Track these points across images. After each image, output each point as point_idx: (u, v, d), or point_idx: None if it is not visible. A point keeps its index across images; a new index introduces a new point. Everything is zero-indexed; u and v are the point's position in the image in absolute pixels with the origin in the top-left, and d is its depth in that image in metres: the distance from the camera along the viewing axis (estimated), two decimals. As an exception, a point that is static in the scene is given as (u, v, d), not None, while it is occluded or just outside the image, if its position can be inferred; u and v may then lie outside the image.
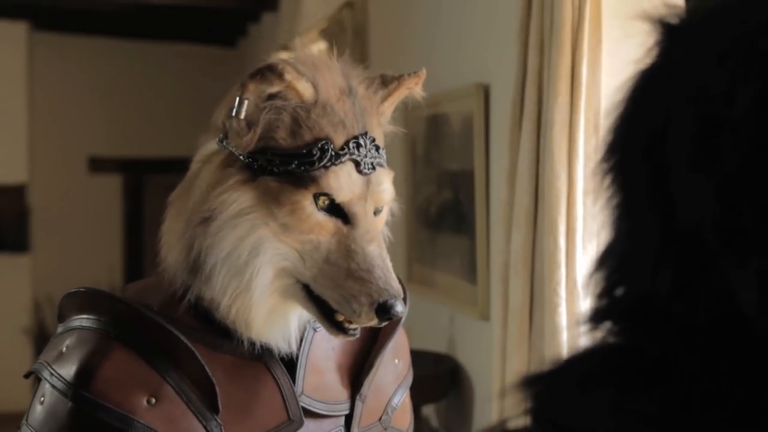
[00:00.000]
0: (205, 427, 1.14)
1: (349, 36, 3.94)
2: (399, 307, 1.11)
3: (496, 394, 2.42)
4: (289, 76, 1.12)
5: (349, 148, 1.15)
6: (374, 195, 1.17)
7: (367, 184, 1.16)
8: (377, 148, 1.18)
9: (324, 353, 1.25)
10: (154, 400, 1.13)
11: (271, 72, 1.12)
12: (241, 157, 1.15)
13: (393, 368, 1.33)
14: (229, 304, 1.14)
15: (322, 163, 1.13)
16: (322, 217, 1.14)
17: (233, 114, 1.14)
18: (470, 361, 2.99)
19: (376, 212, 1.19)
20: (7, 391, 6.50)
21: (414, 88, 1.25)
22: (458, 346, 3.09)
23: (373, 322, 1.13)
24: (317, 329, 1.24)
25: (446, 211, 3.19)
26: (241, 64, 7.43)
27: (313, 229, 1.14)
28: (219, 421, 1.15)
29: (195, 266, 1.15)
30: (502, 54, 2.61)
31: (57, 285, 6.58)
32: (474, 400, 2.95)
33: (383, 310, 1.11)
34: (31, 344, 6.65)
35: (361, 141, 1.16)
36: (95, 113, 7.28)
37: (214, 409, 1.15)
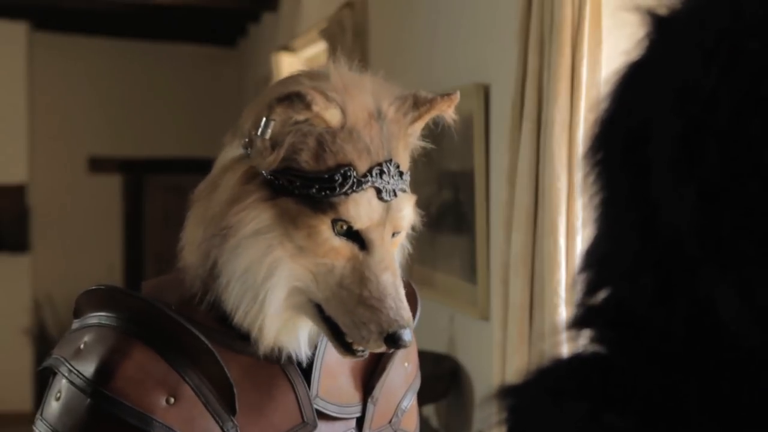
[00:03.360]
0: (221, 428, 1.15)
1: (349, 36, 3.94)
2: (407, 337, 1.12)
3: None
4: (317, 107, 1.10)
5: (371, 175, 1.13)
6: (393, 221, 1.16)
7: (387, 210, 1.15)
8: (401, 174, 1.17)
9: (338, 357, 1.24)
10: (172, 400, 1.14)
11: (299, 100, 1.10)
12: (263, 173, 1.14)
13: (403, 371, 1.33)
14: (243, 318, 1.15)
15: (343, 190, 1.12)
16: (338, 242, 1.13)
17: (258, 133, 1.12)
18: (470, 361, 2.99)
19: (394, 234, 1.18)
20: (7, 391, 6.49)
21: (446, 111, 1.24)
22: (458, 346, 3.09)
23: (381, 349, 1.14)
24: None
25: (446, 211, 3.18)
26: (241, 64, 7.42)
27: (328, 253, 1.13)
28: (235, 422, 1.15)
29: (212, 274, 1.16)
30: (502, 54, 2.61)
31: (57, 285, 6.60)
32: (474, 400, 2.94)
33: (392, 340, 1.11)
34: (31, 344, 6.65)
35: (385, 168, 1.15)
36: (95, 113, 7.27)
37: (231, 410, 1.15)
